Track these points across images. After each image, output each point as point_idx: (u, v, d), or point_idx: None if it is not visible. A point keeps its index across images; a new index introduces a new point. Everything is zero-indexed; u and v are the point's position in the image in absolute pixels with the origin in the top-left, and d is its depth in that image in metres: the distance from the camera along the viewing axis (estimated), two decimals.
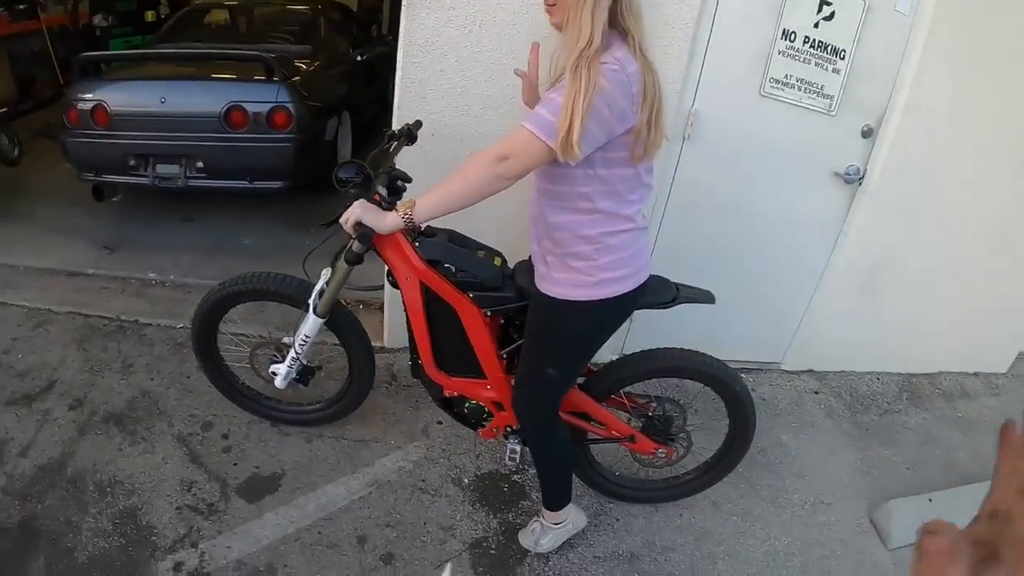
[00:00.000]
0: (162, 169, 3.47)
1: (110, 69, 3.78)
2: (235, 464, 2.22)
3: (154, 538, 1.94)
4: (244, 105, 3.32)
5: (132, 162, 3.47)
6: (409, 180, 1.78)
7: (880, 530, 2.38)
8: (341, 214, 1.62)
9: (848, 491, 2.53)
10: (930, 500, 2.48)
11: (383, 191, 1.70)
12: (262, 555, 1.93)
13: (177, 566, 1.87)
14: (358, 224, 1.57)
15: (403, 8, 2.11)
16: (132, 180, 3.54)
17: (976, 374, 3.60)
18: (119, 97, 3.41)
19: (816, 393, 3.09)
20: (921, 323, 3.21)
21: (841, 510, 2.44)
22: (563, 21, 1.38)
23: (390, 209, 1.60)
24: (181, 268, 3.33)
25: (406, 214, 1.52)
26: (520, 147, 1.39)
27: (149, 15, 7.62)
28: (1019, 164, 2.85)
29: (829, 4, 2.29)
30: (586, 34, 1.32)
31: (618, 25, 1.37)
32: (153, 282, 3.22)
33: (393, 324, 2.72)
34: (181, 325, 2.82)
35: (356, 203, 1.58)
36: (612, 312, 1.66)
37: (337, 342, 2.20)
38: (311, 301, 1.92)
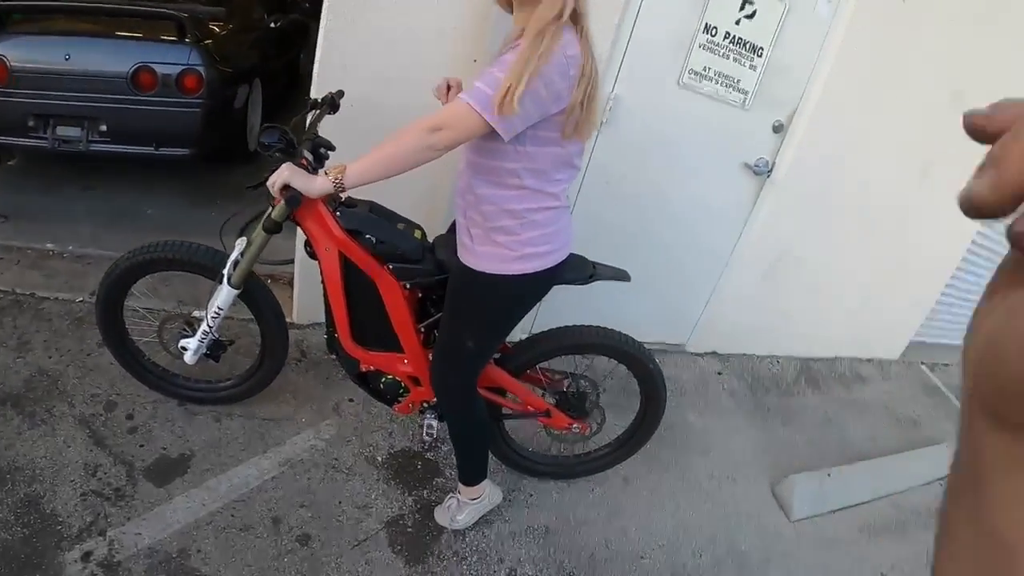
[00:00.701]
0: (63, 131, 3.23)
1: (11, 22, 3.49)
2: (141, 446, 2.11)
3: (59, 527, 1.82)
4: (153, 66, 3.13)
5: (31, 123, 3.22)
6: (332, 148, 1.75)
7: (782, 503, 2.54)
8: (267, 177, 1.58)
9: (751, 468, 2.68)
10: (828, 475, 2.67)
11: (309, 156, 1.66)
12: (174, 540, 1.85)
13: (85, 556, 1.76)
14: (286, 187, 1.53)
15: None
16: (30, 142, 3.29)
17: (870, 360, 3.88)
18: (21, 52, 3.15)
19: (719, 374, 3.25)
20: (819, 311, 3.43)
21: (745, 485, 2.58)
22: None
23: (306, 168, 1.58)
24: (81, 239, 3.12)
25: (337, 178, 1.49)
26: (455, 118, 1.40)
27: None
28: (924, 165, 3.08)
29: (751, 3, 2.39)
30: (558, 6, 1.35)
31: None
32: (51, 253, 3.01)
33: (303, 299, 2.64)
34: (80, 299, 2.65)
35: (284, 166, 1.55)
36: (533, 287, 1.68)
37: (246, 317, 2.13)
38: (225, 272, 1.85)
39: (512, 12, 1.51)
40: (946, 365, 4.39)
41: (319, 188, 1.53)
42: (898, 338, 3.99)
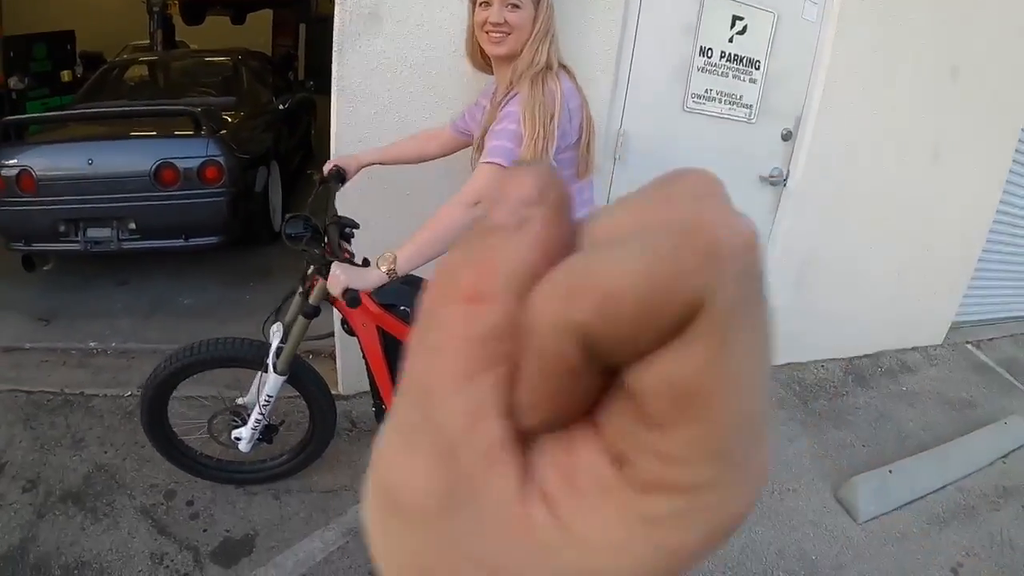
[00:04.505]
0: (94, 233, 3.35)
1: (33, 133, 3.64)
2: (205, 530, 2.14)
3: None
4: (174, 162, 3.24)
5: (62, 228, 3.34)
6: (357, 226, 1.76)
7: (848, 506, 2.49)
8: (308, 273, 1.66)
9: (810, 476, 2.64)
10: (890, 471, 2.61)
11: (349, 247, 1.68)
12: None
13: None
14: (347, 290, 1.53)
15: (334, 56, 2.13)
16: (63, 247, 3.42)
17: (914, 348, 3.81)
18: (45, 161, 3.28)
19: None
20: (856, 308, 3.38)
21: (807, 494, 2.54)
22: (515, 50, 1.49)
23: (351, 261, 1.61)
24: (122, 334, 3.21)
25: (390, 269, 1.50)
26: (489, 184, 1.44)
27: (65, 75, 7.37)
28: (934, 148, 3.06)
29: (741, 19, 2.42)
30: (541, 59, 1.47)
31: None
32: (94, 351, 3.10)
33: (346, 370, 2.67)
34: (129, 393, 2.72)
35: (338, 270, 1.53)
36: None
37: (292, 395, 2.15)
38: (270, 361, 1.88)
39: (491, 71, 1.63)
40: (991, 340, 4.30)
41: (375, 281, 1.54)
42: (939, 322, 3.92)
